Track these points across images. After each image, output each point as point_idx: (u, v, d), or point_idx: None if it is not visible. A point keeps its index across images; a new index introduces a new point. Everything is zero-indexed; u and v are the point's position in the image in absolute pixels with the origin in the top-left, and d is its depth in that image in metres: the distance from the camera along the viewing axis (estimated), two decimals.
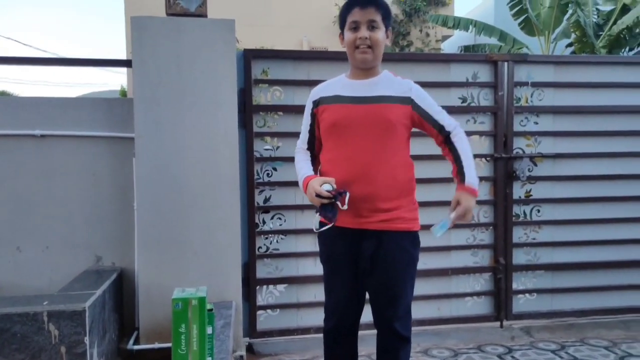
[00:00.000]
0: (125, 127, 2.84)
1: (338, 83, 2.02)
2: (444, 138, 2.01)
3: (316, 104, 2.03)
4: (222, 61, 2.77)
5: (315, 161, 2.09)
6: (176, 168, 2.73)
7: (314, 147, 2.09)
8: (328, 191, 1.81)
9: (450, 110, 3.15)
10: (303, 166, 2.05)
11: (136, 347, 2.63)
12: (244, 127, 2.99)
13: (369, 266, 1.94)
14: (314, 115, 2.04)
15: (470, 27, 9.92)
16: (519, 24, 9.78)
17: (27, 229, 2.82)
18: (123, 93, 16.75)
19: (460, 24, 10.05)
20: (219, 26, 2.77)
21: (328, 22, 12.38)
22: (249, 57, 3.01)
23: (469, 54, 3.58)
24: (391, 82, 1.98)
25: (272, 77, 3.07)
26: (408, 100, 1.94)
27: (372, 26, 1.89)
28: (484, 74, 3.29)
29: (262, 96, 3.07)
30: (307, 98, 2.09)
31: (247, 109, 3.00)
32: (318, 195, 1.82)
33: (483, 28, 9.83)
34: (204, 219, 2.77)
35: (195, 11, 2.82)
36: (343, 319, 2.04)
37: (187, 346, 1.50)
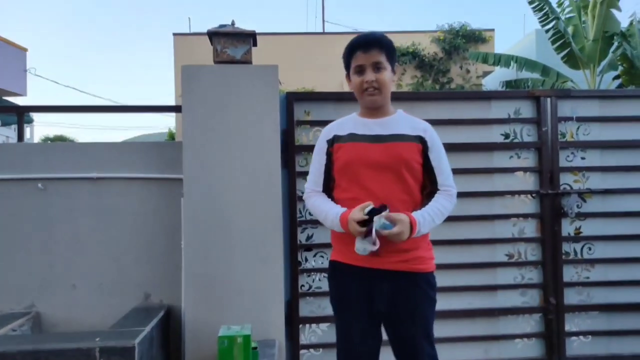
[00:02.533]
0: (174, 168, 2.98)
1: (351, 121, 2.01)
2: (431, 193, 1.96)
3: (330, 142, 2.00)
4: (266, 104, 2.89)
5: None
6: (222, 208, 2.82)
7: (329, 187, 2.02)
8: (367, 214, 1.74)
9: (493, 147, 3.20)
10: (331, 206, 1.95)
11: None
12: (286, 167, 3.07)
13: (385, 310, 1.90)
14: (330, 155, 2.00)
15: (512, 62, 9.87)
16: (562, 58, 9.65)
17: (82, 267, 2.97)
18: (171, 135, 17.45)
19: (500, 60, 10.02)
20: (263, 72, 2.90)
21: None
22: (291, 99, 3.12)
23: (510, 91, 3.57)
24: (406, 120, 1.98)
25: (313, 118, 3.16)
26: (421, 140, 1.93)
27: (377, 68, 1.89)
28: (526, 109, 3.27)
29: (304, 136, 3.15)
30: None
31: (289, 149, 3.09)
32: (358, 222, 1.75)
33: (525, 63, 9.76)
34: (248, 257, 2.83)
35: (241, 58, 2.97)
36: None
37: None
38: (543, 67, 9.70)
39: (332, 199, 2.01)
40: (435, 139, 1.97)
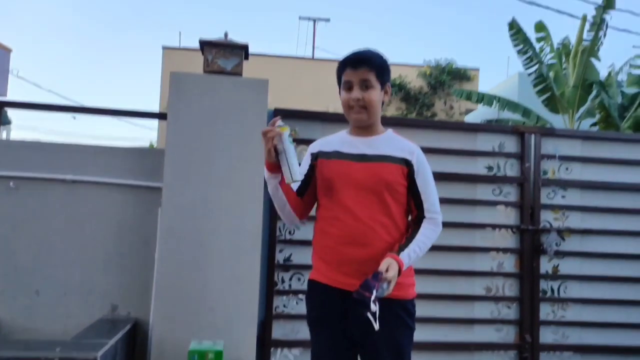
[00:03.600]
0: (153, 177, 2.90)
1: (338, 139, 1.97)
2: (416, 220, 1.89)
3: (315, 157, 1.95)
4: (254, 118, 2.85)
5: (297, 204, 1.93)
6: (200, 220, 2.74)
7: (304, 193, 1.94)
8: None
9: (477, 179, 3.21)
10: None
11: None
12: None
13: (360, 335, 1.82)
14: (313, 167, 1.96)
15: (494, 102, 10.09)
16: (543, 101, 9.91)
17: (47, 273, 2.83)
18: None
19: (484, 99, 10.23)
20: (252, 85, 2.88)
21: None
22: (278, 115, 3.08)
23: (495, 125, 3.66)
24: (394, 141, 1.92)
25: (300, 137, 3.12)
26: (407, 163, 1.87)
27: (365, 86, 1.84)
28: (510, 144, 3.30)
29: None
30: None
31: None
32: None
33: (507, 104, 9.98)
34: (223, 274, 2.74)
35: (231, 70, 2.94)
36: None
37: None
38: (524, 109, 9.92)
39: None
40: (422, 162, 1.91)
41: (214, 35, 3.00)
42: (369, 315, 1.60)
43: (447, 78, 12.66)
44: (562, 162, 3.32)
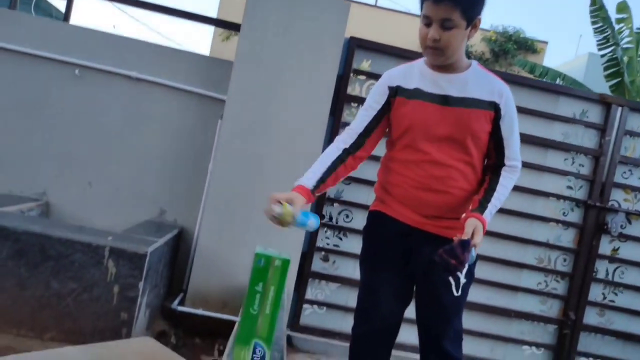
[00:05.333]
0: (218, 88, 2.81)
1: (417, 71, 1.73)
2: (495, 166, 1.76)
3: (394, 92, 1.73)
4: (329, 43, 2.70)
5: (349, 163, 1.75)
6: (260, 139, 2.66)
7: (368, 137, 1.76)
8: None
9: (550, 144, 3.01)
10: (316, 164, 1.76)
11: (180, 308, 2.55)
12: (332, 115, 2.89)
13: (421, 273, 1.75)
14: (389, 103, 1.74)
15: (558, 79, 9.57)
16: (611, 87, 9.34)
17: (101, 166, 2.82)
18: None
19: (547, 74, 9.71)
20: (333, 7, 2.71)
21: None
22: (353, 45, 2.92)
23: (581, 90, 3.39)
24: (481, 79, 1.70)
25: (372, 70, 2.96)
26: (495, 107, 1.68)
27: (445, 26, 1.58)
28: (593, 114, 3.07)
29: (357, 87, 2.97)
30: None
31: (340, 97, 2.90)
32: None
33: (571, 83, 9.45)
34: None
35: None
36: (380, 324, 1.81)
37: (260, 307, 1.36)
38: (589, 91, 9.40)
39: (353, 161, 1.78)
40: (510, 106, 1.72)
41: None
42: (450, 279, 1.58)
43: (513, 47, 12.03)
44: None
